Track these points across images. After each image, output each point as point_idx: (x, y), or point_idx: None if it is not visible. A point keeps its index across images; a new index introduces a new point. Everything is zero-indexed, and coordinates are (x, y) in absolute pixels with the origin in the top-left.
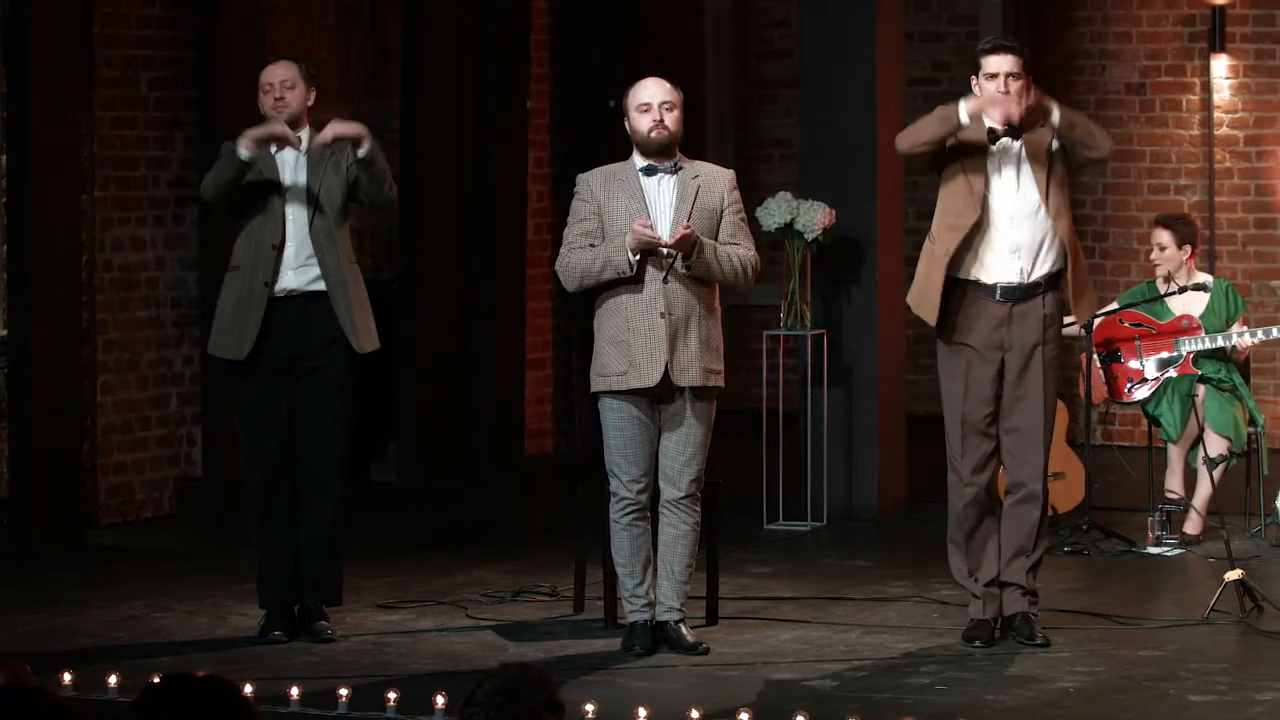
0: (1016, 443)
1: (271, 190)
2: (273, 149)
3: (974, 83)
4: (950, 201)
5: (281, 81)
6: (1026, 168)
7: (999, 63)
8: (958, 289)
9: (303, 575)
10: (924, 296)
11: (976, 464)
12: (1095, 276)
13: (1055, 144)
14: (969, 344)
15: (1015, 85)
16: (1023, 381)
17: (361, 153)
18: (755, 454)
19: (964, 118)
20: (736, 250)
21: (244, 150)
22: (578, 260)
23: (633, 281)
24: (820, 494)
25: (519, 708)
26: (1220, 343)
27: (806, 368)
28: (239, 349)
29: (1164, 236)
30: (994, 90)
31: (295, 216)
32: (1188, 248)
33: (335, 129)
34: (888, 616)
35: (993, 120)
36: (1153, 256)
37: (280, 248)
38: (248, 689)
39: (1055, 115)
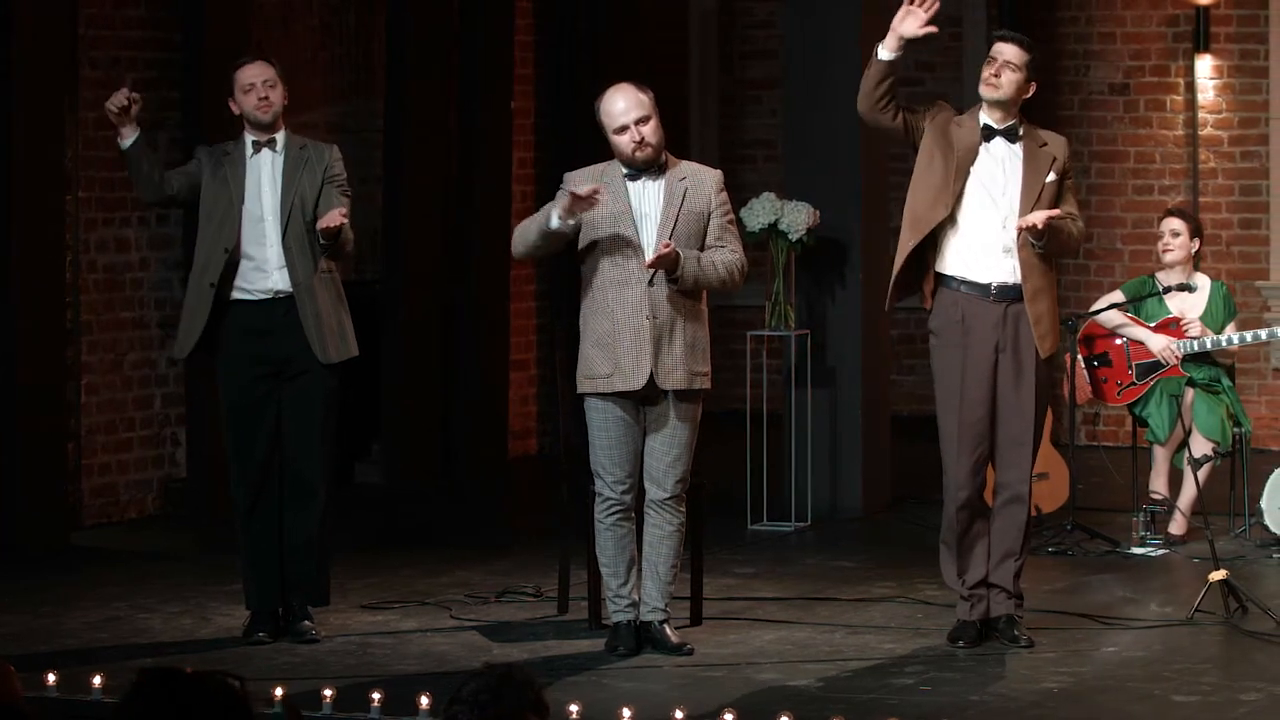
0: (1006, 444)
1: (235, 195)
2: (248, 150)
3: None
4: (922, 192)
5: (264, 81)
6: (1022, 172)
7: (1000, 49)
8: (951, 289)
9: (290, 577)
10: (893, 275)
11: (971, 468)
12: (1079, 277)
13: (1052, 176)
14: (965, 345)
15: (1009, 74)
16: (1016, 383)
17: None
18: (739, 454)
19: (884, 55)
20: (722, 256)
21: (123, 143)
22: (524, 223)
23: (619, 284)
24: (804, 494)
25: (503, 707)
26: (1208, 346)
27: (790, 368)
28: (183, 348)
29: (1177, 224)
30: (987, 74)
31: (271, 221)
32: (1197, 240)
33: (335, 220)
34: (872, 617)
35: (911, 32)
36: (1163, 243)
37: (233, 252)
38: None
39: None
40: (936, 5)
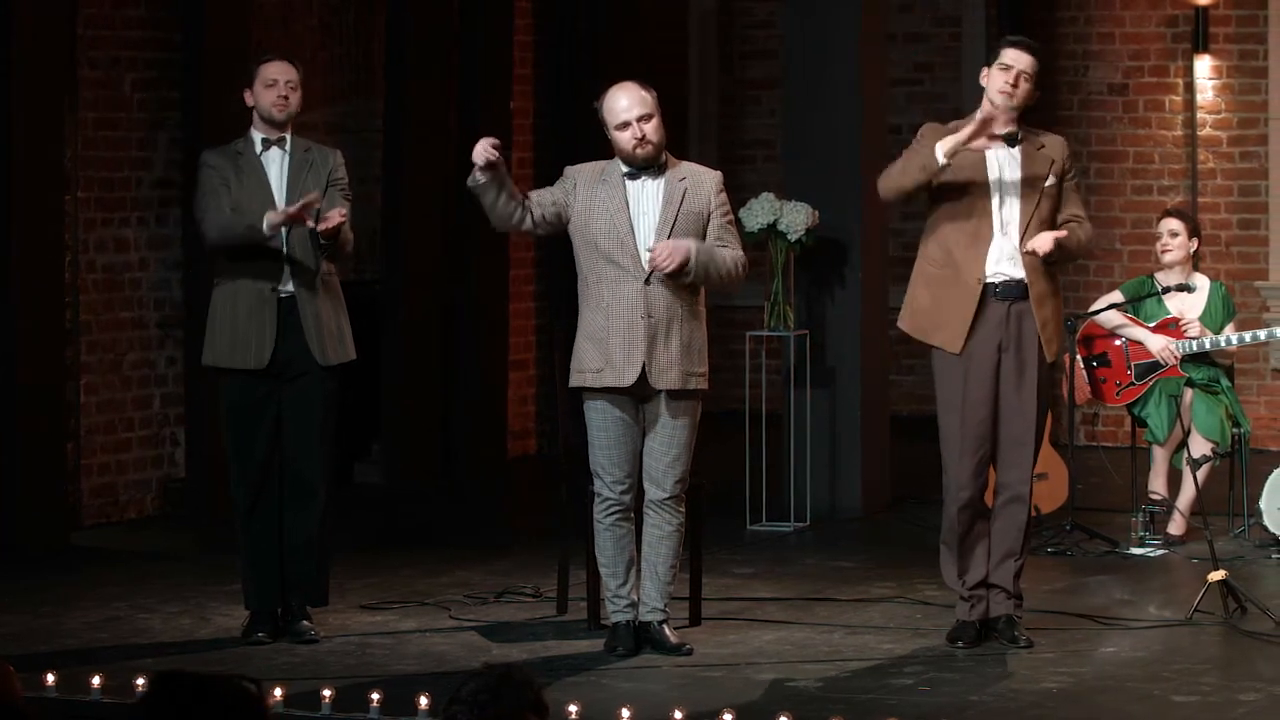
0: (1008, 444)
1: (265, 197)
2: (257, 147)
3: (984, 73)
4: (957, 221)
5: (287, 81)
6: (1020, 178)
7: (1018, 58)
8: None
9: (289, 577)
10: (944, 323)
11: (973, 469)
12: (1078, 277)
13: (1051, 179)
14: (968, 345)
15: (1024, 85)
16: (1017, 383)
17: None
18: (739, 455)
19: (941, 160)
20: (726, 252)
21: (268, 228)
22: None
23: (615, 282)
24: (804, 494)
25: (502, 708)
26: (1207, 346)
27: (790, 368)
28: (259, 357)
29: (1175, 224)
30: (1002, 82)
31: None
32: (1195, 241)
33: (335, 220)
34: (871, 617)
35: (978, 146)
36: (1162, 244)
37: (280, 253)
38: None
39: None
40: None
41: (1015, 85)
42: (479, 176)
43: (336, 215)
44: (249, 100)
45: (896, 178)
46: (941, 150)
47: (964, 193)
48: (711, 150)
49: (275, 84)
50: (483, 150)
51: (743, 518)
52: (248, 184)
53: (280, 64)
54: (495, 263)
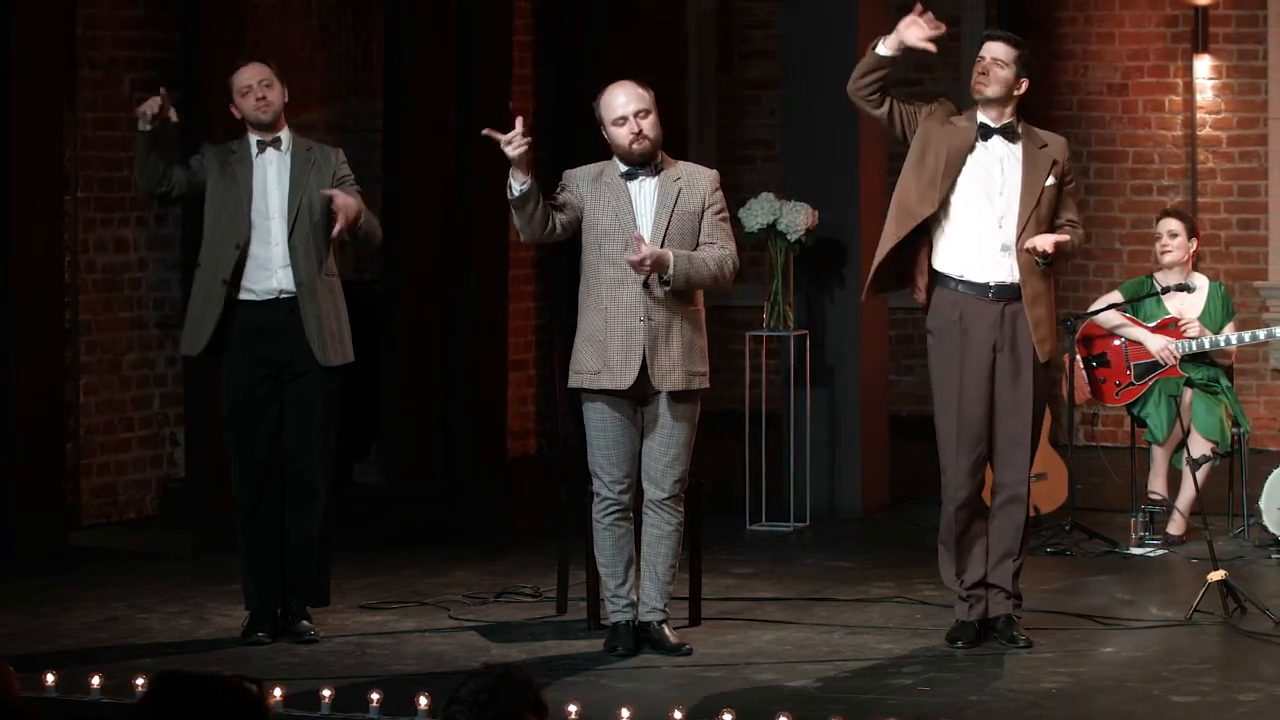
0: (1005, 444)
1: (244, 191)
2: (253, 150)
3: None
4: (912, 186)
5: (260, 81)
6: (1021, 173)
7: (988, 47)
8: (949, 289)
9: (290, 577)
10: (873, 265)
11: (970, 468)
12: (1078, 278)
13: (1051, 180)
14: (964, 345)
15: (997, 71)
16: (1013, 382)
17: (357, 232)
18: (738, 455)
19: (881, 50)
20: (711, 252)
21: (143, 125)
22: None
23: (615, 284)
24: (803, 494)
25: (502, 708)
26: (1207, 346)
27: (789, 368)
28: (195, 345)
29: (1175, 225)
30: (976, 74)
31: (277, 220)
32: (1194, 241)
33: (344, 218)
34: (870, 617)
35: (912, 41)
36: (1161, 244)
37: (244, 248)
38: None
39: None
40: (942, 28)
41: (986, 73)
42: (521, 179)
43: (339, 196)
44: (236, 113)
45: (855, 69)
46: (884, 41)
47: (935, 160)
48: (711, 150)
49: (250, 89)
50: (516, 147)
51: (742, 518)
52: (228, 180)
53: (249, 68)
54: (495, 263)
